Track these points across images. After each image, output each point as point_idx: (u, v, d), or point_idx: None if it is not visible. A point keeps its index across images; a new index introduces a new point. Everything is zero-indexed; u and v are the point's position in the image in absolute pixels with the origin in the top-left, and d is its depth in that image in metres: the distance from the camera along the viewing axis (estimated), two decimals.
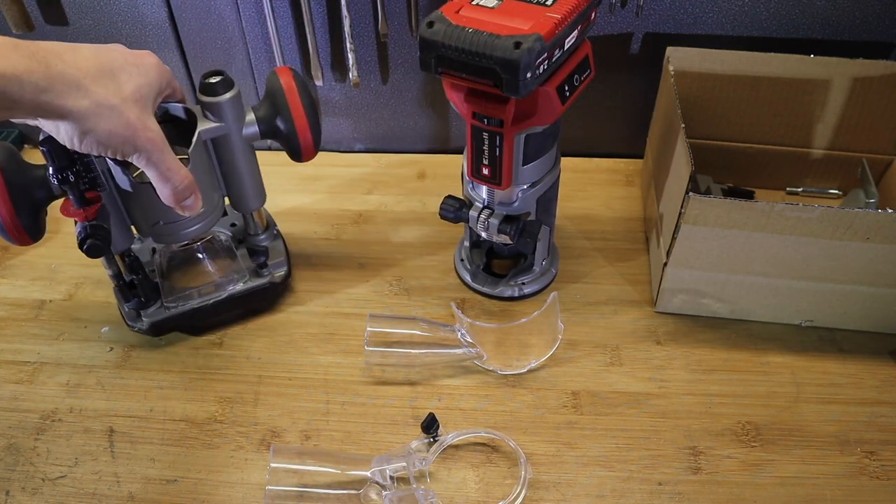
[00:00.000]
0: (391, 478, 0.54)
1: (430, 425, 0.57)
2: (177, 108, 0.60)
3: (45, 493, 0.56)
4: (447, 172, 0.90)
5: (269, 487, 0.53)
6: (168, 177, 0.50)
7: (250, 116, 0.61)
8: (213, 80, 0.58)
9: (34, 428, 0.61)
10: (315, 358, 0.66)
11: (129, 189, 0.56)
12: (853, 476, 0.56)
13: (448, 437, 0.57)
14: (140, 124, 0.47)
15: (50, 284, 0.74)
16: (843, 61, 0.72)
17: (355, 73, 0.84)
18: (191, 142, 0.57)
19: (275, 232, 0.74)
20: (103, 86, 0.46)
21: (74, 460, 0.58)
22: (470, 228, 0.69)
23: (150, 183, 0.55)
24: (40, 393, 0.63)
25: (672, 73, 0.73)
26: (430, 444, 0.57)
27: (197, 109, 0.59)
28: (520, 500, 0.54)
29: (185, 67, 0.87)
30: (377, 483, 0.54)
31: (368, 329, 0.63)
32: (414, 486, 0.54)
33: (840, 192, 0.83)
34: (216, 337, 0.68)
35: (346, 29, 0.80)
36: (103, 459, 0.58)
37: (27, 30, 0.80)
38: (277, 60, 0.83)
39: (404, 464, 0.54)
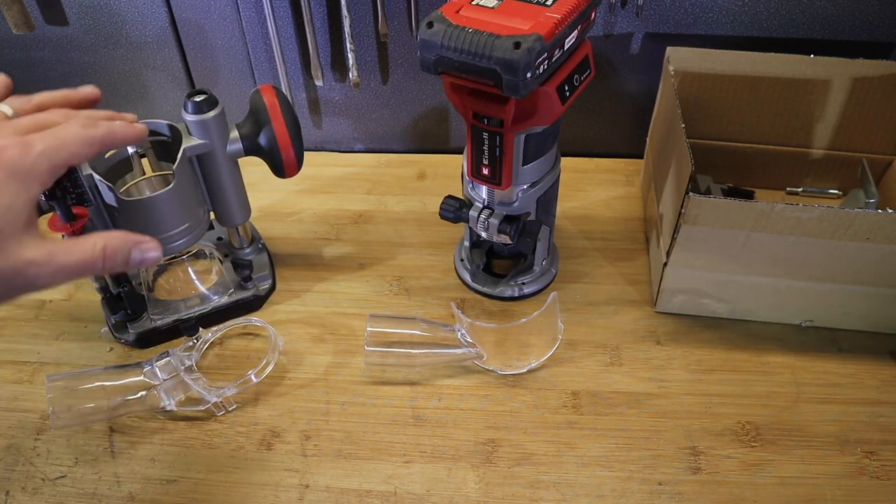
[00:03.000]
0: (165, 379, 0.60)
1: (189, 329, 0.64)
2: (161, 126, 0.61)
3: (45, 493, 0.56)
4: (447, 172, 0.90)
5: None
6: (84, 270, 0.40)
7: (234, 133, 0.62)
8: (198, 98, 0.59)
9: (34, 428, 0.61)
10: (315, 358, 0.66)
11: (115, 205, 0.57)
12: (853, 476, 0.56)
13: (208, 334, 0.66)
14: (11, 272, 0.36)
15: None
16: (843, 61, 0.72)
17: (355, 73, 0.84)
18: (175, 158, 0.59)
19: (260, 245, 0.75)
20: None
21: (74, 460, 0.58)
22: (470, 228, 0.69)
23: (137, 199, 0.57)
24: (40, 393, 0.63)
25: (672, 73, 0.73)
26: (194, 346, 0.65)
27: (182, 127, 0.61)
28: (269, 368, 0.62)
29: (185, 67, 0.87)
30: (152, 383, 0.60)
31: (368, 329, 0.63)
32: (183, 374, 0.60)
33: (840, 192, 0.83)
34: (217, 337, 0.68)
35: (346, 29, 0.80)
36: (103, 459, 0.58)
37: (27, 30, 0.80)
38: (277, 60, 0.83)
39: (169, 359, 0.61)
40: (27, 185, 0.37)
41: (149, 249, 0.42)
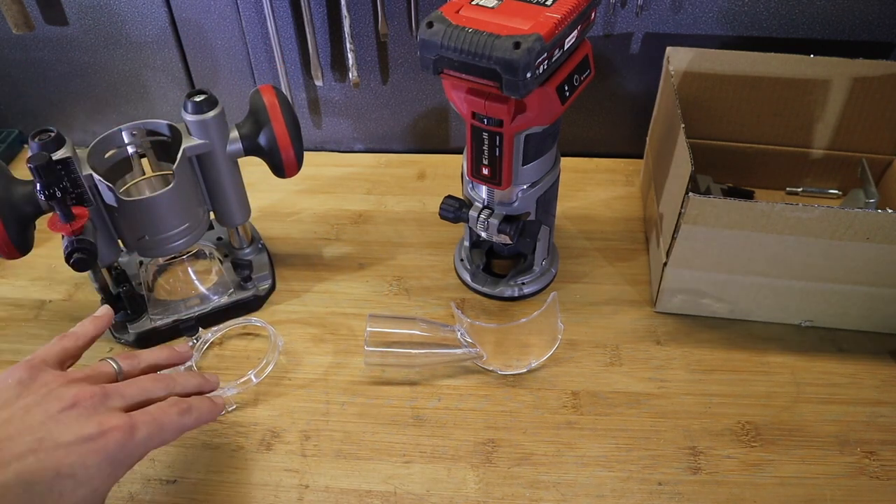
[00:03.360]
0: None
1: (189, 329, 0.65)
2: (161, 126, 0.61)
3: None
4: (447, 172, 0.90)
5: None
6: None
7: (234, 133, 0.62)
8: (198, 98, 0.59)
9: None
10: (315, 358, 0.66)
11: (114, 205, 0.57)
12: (853, 476, 0.56)
13: (208, 334, 0.66)
14: None
15: (50, 284, 0.75)
16: (843, 61, 0.72)
17: (355, 73, 0.84)
18: (175, 158, 0.59)
19: (259, 245, 0.75)
20: None
21: None
22: (470, 228, 0.69)
23: (137, 199, 0.58)
24: None
25: (672, 73, 0.73)
26: (194, 346, 0.65)
27: (182, 127, 0.61)
28: (269, 368, 0.63)
29: (185, 67, 0.87)
30: None
31: (368, 329, 0.63)
32: None
33: (840, 192, 0.83)
34: (216, 337, 0.68)
35: (346, 29, 0.80)
36: None
37: (27, 30, 0.80)
38: (277, 60, 0.83)
39: None
40: (115, 473, 0.39)
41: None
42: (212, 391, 0.52)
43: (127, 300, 0.65)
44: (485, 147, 0.58)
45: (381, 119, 0.91)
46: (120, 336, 0.67)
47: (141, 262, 0.71)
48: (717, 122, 0.79)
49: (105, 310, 0.52)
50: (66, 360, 0.46)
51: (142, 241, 0.61)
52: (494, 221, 0.63)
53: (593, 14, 0.57)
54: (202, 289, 0.70)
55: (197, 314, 0.68)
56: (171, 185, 0.59)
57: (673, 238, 0.62)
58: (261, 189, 0.83)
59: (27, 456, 0.36)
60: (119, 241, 0.64)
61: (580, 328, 0.68)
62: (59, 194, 0.53)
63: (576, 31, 0.54)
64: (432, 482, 0.56)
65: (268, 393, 0.63)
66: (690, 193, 0.57)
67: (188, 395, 0.48)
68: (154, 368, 0.50)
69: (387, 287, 0.74)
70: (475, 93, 0.54)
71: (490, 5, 0.52)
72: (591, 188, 0.86)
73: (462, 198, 0.67)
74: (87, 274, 0.65)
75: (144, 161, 0.66)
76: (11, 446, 0.36)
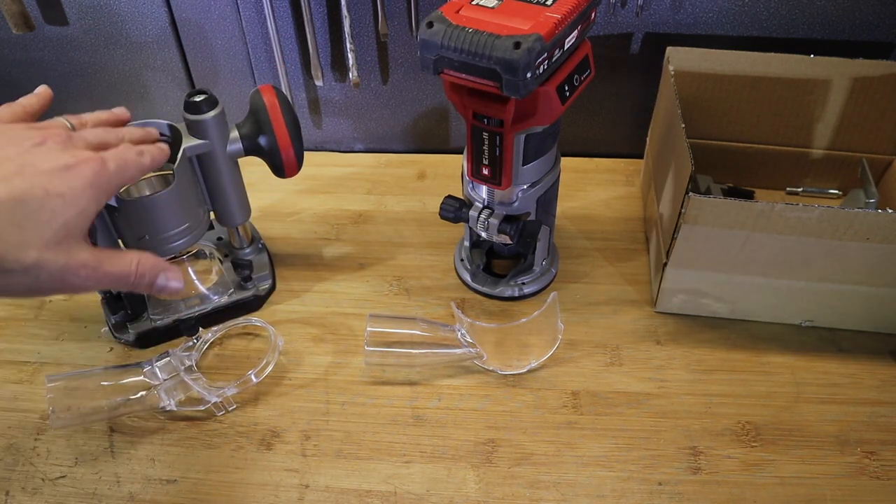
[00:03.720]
0: (165, 379, 0.60)
1: (189, 329, 0.65)
2: (161, 126, 0.61)
3: (45, 493, 0.56)
4: (447, 172, 0.90)
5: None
6: (119, 281, 0.44)
7: (234, 133, 0.62)
8: (198, 98, 0.59)
9: (34, 428, 0.61)
10: (315, 358, 0.66)
11: (115, 205, 0.57)
12: (853, 476, 0.56)
13: (208, 334, 0.66)
14: (67, 269, 0.40)
15: None
16: (843, 61, 0.72)
17: (355, 73, 0.84)
18: (176, 158, 0.59)
19: (260, 245, 0.75)
20: (15, 233, 0.37)
21: (74, 460, 0.58)
22: (470, 228, 0.69)
23: (137, 199, 0.58)
24: (40, 393, 0.63)
25: (672, 73, 0.73)
26: (194, 346, 0.64)
27: (182, 127, 0.61)
28: (269, 368, 0.63)
29: (185, 67, 0.87)
30: (152, 383, 0.60)
31: (368, 329, 0.63)
32: (183, 374, 0.60)
33: (840, 192, 0.83)
34: (217, 337, 0.68)
35: (346, 29, 0.80)
36: (103, 459, 0.58)
37: (27, 30, 0.80)
38: (277, 60, 0.83)
39: (169, 359, 0.61)
40: (98, 198, 0.42)
41: (172, 278, 0.46)
42: (154, 140, 0.53)
43: (127, 300, 0.66)
44: (485, 147, 0.58)
45: (381, 119, 0.91)
46: (120, 336, 0.67)
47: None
48: (717, 122, 0.79)
49: (42, 87, 0.52)
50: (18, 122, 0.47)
51: (142, 241, 0.61)
52: (494, 221, 0.63)
53: (593, 14, 0.57)
54: (202, 289, 0.70)
55: (197, 314, 0.68)
56: (171, 185, 0.59)
57: (673, 238, 0.62)
58: (261, 189, 0.83)
59: (13, 178, 0.38)
60: (119, 241, 0.64)
61: (580, 328, 0.68)
62: None
63: (576, 31, 0.54)
64: (432, 482, 0.56)
65: (268, 393, 0.63)
66: (690, 193, 0.57)
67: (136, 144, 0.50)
68: (100, 129, 0.50)
69: (387, 287, 0.74)
70: (475, 93, 0.54)
71: (490, 5, 0.52)
72: (591, 188, 0.86)
73: (462, 198, 0.67)
74: None
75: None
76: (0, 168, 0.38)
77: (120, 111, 0.55)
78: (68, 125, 0.48)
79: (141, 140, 0.51)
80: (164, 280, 0.45)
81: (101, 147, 0.46)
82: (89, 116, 0.51)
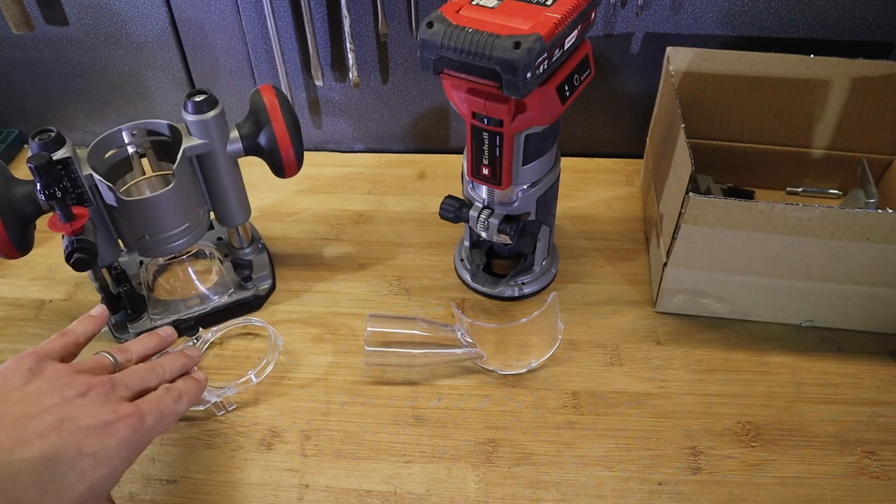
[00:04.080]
0: None
1: (189, 329, 0.65)
2: (161, 126, 0.61)
3: None
4: (447, 172, 0.90)
5: None
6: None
7: (234, 133, 0.62)
8: (198, 98, 0.59)
9: None
10: (315, 358, 0.66)
11: (115, 205, 0.57)
12: (853, 476, 0.56)
13: (208, 334, 0.66)
14: None
15: (50, 284, 0.75)
16: (843, 61, 0.72)
17: (355, 73, 0.84)
18: (176, 158, 0.59)
19: (260, 245, 0.75)
20: (35, 497, 0.35)
21: None
22: (470, 228, 0.69)
23: (137, 199, 0.58)
24: None
25: (672, 73, 0.73)
26: (194, 346, 0.64)
27: (182, 127, 0.61)
28: (269, 368, 0.63)
29: (185, 67, 0.87)
30: None
31: (368, 329, 0.63)
32: None
33: (840, 192, 0.83)
34: (217, 337, 0.68)
35: (346, 29, 0.80)
36: None
37: (27, 30, 0.80)
38: (277, 60, 0.83)
39: None
40: (130, 457, 0.41)
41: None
42: (195, 366, 0.54)
43: (127, 300, 0.65)
44: (485, 147, 0.58)
45: (381, 119, 0.91)
46: (120, 336, 0.67)
47: (141, 262, 0.71)
48: (717, 122, 0.79)
49: (101, 309, 0.53)
50: (67, 357, 0.47)
51: (142, 241, 0.61)
52: (494, 221, 0.63)
53: (593, 14, 0.57)
54: (202, 289, 0.70)
55: (197, 314, 0.68)
56: (171, 185, 0.59)
57: (673, 238, 0.62)
58: (261, 189, 0.83)
59: (49, 434, 0.37)
60: (119, 241, 0.64)
61: (580, 328, 0.68)
62: (59, 194, 0.53)
63: (576, 31, 0.54)
64: (432, 482, 0.56)
65: (268, 393, 0.63)
66: (690, 193, 0.57)
67: (175, 378, 0.51)
68: (145, 358, 0.52)
69: (387, 287, 0.74)
70: (475, 93, 0.54)
71: (490, 5, 0.52)
72: (591, 188, 0.86)
73: (462, 198, 0.67)
74: (87, 274, 0.65)
75: (144, 161, 0.66)
76: (33, 424, 0.37)
77: (167, 334, 0.55)
78: (112, 361, 0.47)
79: (182, 371, 0.51)
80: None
81: (142, 393, 0.46)
82: (135, 347, 0.51)
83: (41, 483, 0.35)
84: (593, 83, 0.62)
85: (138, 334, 0.66)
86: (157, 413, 0.44)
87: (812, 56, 0.73)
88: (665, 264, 0.65)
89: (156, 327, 0.67)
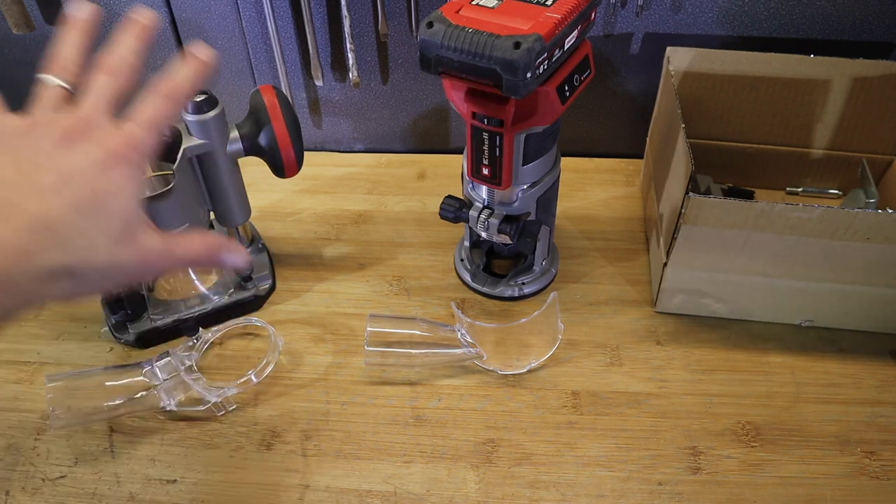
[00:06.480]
0: (165, 379, 0.61)
1: (189, 329, 0.65)
2: None
3: (45, 493, 0.56)
4: (447, 172, 0.90)
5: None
6: (190, 263, 0.42)
7: (234, 133, 0.62)
8: (198, 98, 0.59)
9: (34, 428, 0.61)
10: (315, 358, 0.66)
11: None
12: (853, 476, 0.56)
13: (208, 334, 0.66)
14: (141, 261, 0.38)
15: None
16: (843, 61, 0.72)
17: (355, 73, 0.84)
18: (176, 158, 0.59)
19: (260, 245, 0.75)
20: (82, 240, 0.36)
21: (74, 460, 0.58)
22: (470, 228, 0.69)
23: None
24: (40, 393, 0.63)
25: (672, 73, 0.73)
26: (194, 346, 0.64)
27: (182, 127, 0.61)
28: (269, 368, 0.63)
29: None
30: (152, 383, 0.60)
31: (368, 329, 0.63)
32: (183, 374, 0.60)
33: (840, 192, 0.83)
34: (217, 337, 0.68)
35: (346, 29, 0.80)
36: (103, 459, 0.58)
37: (27, 30, 0.80)
38: (277, 60, 0.83)
39: (169, 359, 0.61)
40: (139, 178, 0.39)
41: (237, 256, 0.43)
42: (148, 29, 0.45)
43: (127, 300, 0.65)
44: (485, 147, 0.58)
45: (381, 119, 0.91)
46: (120, 336, 0.67)
47: None
48: (717, 122, 0.79)
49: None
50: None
51: None
52: (494, 221, 0.63)
53: (593, 14, 0.57)
54: (202, 289, 0.70)
55: (197, 314, 0.68)
56: (171, 186, 0.59)
57: (673, 238, 0.62)
58: (261, 189, 0.83)
59: (61, 187, 0.36)
60: None
61: (580, 328, 0.68)
62: None
63: (576, 31, 0.54)
64: (432, 482, 0.56)
65: (268, 393, 0.63)
66: (690, 193, 0.57)
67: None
68: (85, 53, 0.45)
69: (387, 287, 0.74)
70: (475, 93, 0.54)
71: (490, 5, 0.52)
72: (591, 188, 0.86)
73: (462, 198, 0.67)
74: None
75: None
76: (42, 181, 0.36)
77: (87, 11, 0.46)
78: (66, 89, 0.43)
79: (138, 45, 0.45)
80: (229, 257, 0.43)
81: (113, 101, 0.41)
82: (68, 52, 0.44)
83: (80, 229, 0.35)
84: (593, 83, 0.62)
85: (138, 334, 0.66)
86: (148, 125, 0.41)
87: (812, 56, 0.73)
88: (665, 264, 0.65)
89: (157, 329, 0.66)
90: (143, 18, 0.44)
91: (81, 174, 0.37)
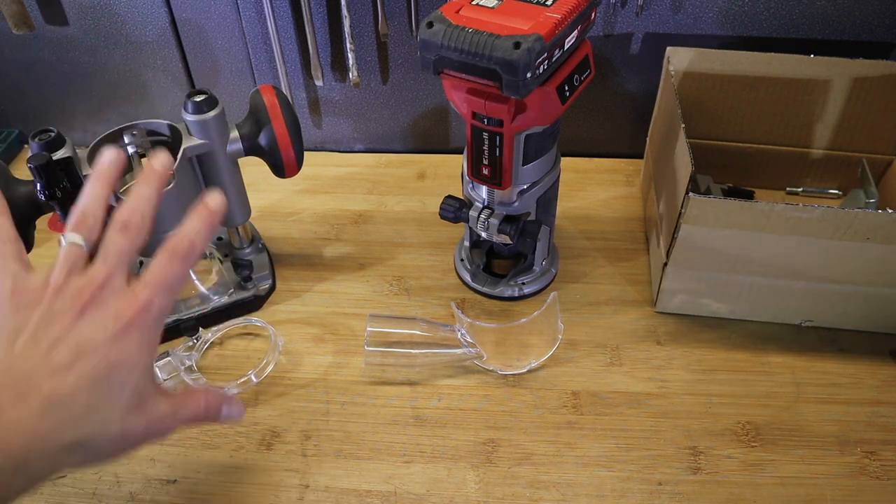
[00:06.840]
0: (165, 379, 0.62)
1: (189, 329, 0.65)
2: (161, 126, 0.61)
3: (45, 493, 0.56)
4: (447, 172, 0.90)
5: None
6: (192, 421, 0.42)
7: (234, 133, 0.63)
8: (198, 98, 0.59)
9: None
10: (315, 358, 0.66)
11: (115, 205, 0.57)
12: (853, 476, 0.56)
13: (208, 334, 0.66)
14: (149, 429, 0.39)
15: None
16: (843, 61, 0.72)
17: (355, 73, 0.84)
18: (176, 158, 0.59)
19: (260, 245, 0.75)
20: (95, 416, 0.36)
21: None
22: (470, 228, 0.69)
23: None
24: None
25: (672, 73, 0.73)
26: (194, 346, 0.65)
27: (182, 127, 0.61)
28: (269, 368, 0.64)
29: (185, 67, 0.87)
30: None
31: (368, 329, 0.63)
32: (183, 374, 0.61)
33: (840, 192, 0.83)
34: (217, 337, 0.68)
35: (346, 29, 0.80)
36: None
37: (27, 30, 0.80)
38: (277, 60, 0.83)
39: (169, 359, 0.62)
40: (152, 345, 0.40)
41: (235, 409, 0.44)
42: (167, 177, 0.44)
43: None
44: (485, 147, 0.58)
45: (381, 119, 0.91)
46: None
47: (141, 262, 0.71)
48: (717, 122, 0.79)
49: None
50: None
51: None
52: (494, 221, 0.63)
53: (593, 14, 0.57)
54: (202, 289, 0.70)
55: (197, 314, 0.68)
56: (171, 186, 0.59)
57: (673, 238, 0.62)
58: (261, 189, 0.83)
59: (76, 364, 0.37)
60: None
61: (580, 328, 0.68)
62: (59, 194, 0.53)
63: (576, 31, 0.54)
64: (432, 482, 0.56)
65: (268, 393, 0.63)
66: (690, 193, 0.57)
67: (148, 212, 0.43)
68: (107, 210, 0.44)
69: (387, 287, 0.74)
70: (475, 93, 0.54)
71: (490, 5, 0.52)
72: (591, 188, 0.86)
73: (462, 198, 0.67)
74: None
75: (145, 161, 0.66)
76: (57, 357, 0.37)
77: (109, 161, 0.44)
78: (82, 247, 0.42)
79: (157, 197, 0.43)
80: (227, 411, 0.44)
81: (127, 260, 0.41)
82: (90, 208, 0.43)
83: (93, 404, 0.36)
84: (593, 83, 0.62)
85: None
86: (162, 288, 0.40)
87: (812, 56, 0.73)
88: (665, 264, 0.65)
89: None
90: (160, 166, 0.44)
91: (95, 348, 0.37)
